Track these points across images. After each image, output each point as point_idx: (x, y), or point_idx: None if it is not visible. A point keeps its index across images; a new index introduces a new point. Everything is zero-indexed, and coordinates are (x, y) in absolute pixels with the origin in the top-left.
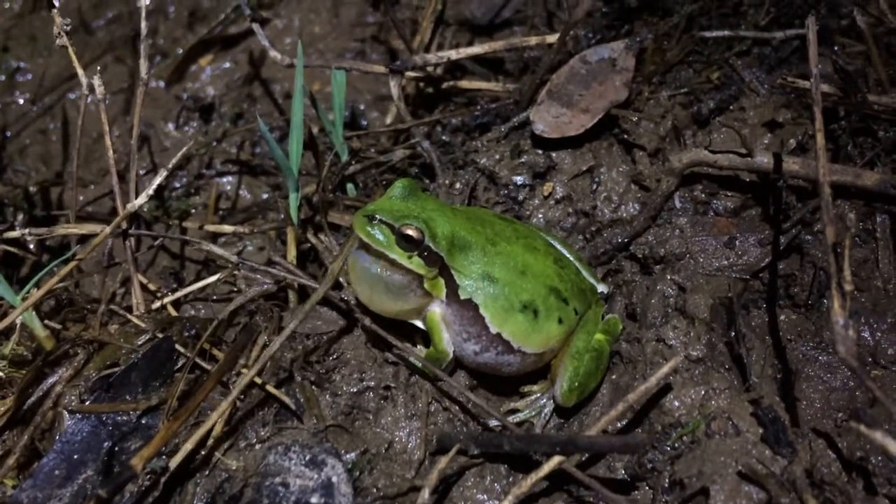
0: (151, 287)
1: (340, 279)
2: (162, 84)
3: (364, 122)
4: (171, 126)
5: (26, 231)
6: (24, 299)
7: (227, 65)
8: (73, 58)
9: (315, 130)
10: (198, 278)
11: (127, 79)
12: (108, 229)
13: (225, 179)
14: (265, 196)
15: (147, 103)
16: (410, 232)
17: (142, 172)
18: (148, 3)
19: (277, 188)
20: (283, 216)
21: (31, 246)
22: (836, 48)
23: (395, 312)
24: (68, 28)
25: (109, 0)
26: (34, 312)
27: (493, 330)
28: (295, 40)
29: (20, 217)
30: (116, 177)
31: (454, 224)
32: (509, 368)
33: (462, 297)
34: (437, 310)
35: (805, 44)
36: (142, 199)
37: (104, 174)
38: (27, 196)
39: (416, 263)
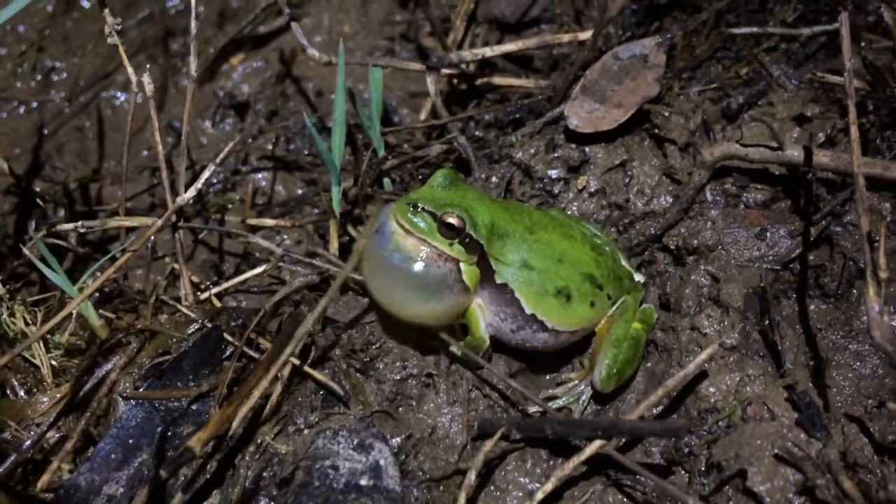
0: (194, 279)
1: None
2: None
3: (396, 119)
4: (207, 123)
5: (79, 224)
6: (80, 290)
7: (259, 63)
8: (124, 56)
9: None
10: (237, 271)
11: (159, 77)
12: (160, 221)
13: (260, 175)
14: (300, 191)
15: (181, 101)
16: (452, 220)
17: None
18: (182, 3)
19: (312, 184)
20: (318, 210)
21: (73, 240)
22: (863, 44)
23: (423, 316)
24: (119, 28)
25: (140, 1)
26: (89, 302)
27: (528, 311)
28: (325, 38)
29: (61, 213)
30: (166, 171)
31: (494, 213)
32: (545, 345)
33: (498, 282)
34: (475, 298)
35: (833, 40)
36: (191, 192)
37: (141, 170)
38: (67, 192)
39: (456, 251)
